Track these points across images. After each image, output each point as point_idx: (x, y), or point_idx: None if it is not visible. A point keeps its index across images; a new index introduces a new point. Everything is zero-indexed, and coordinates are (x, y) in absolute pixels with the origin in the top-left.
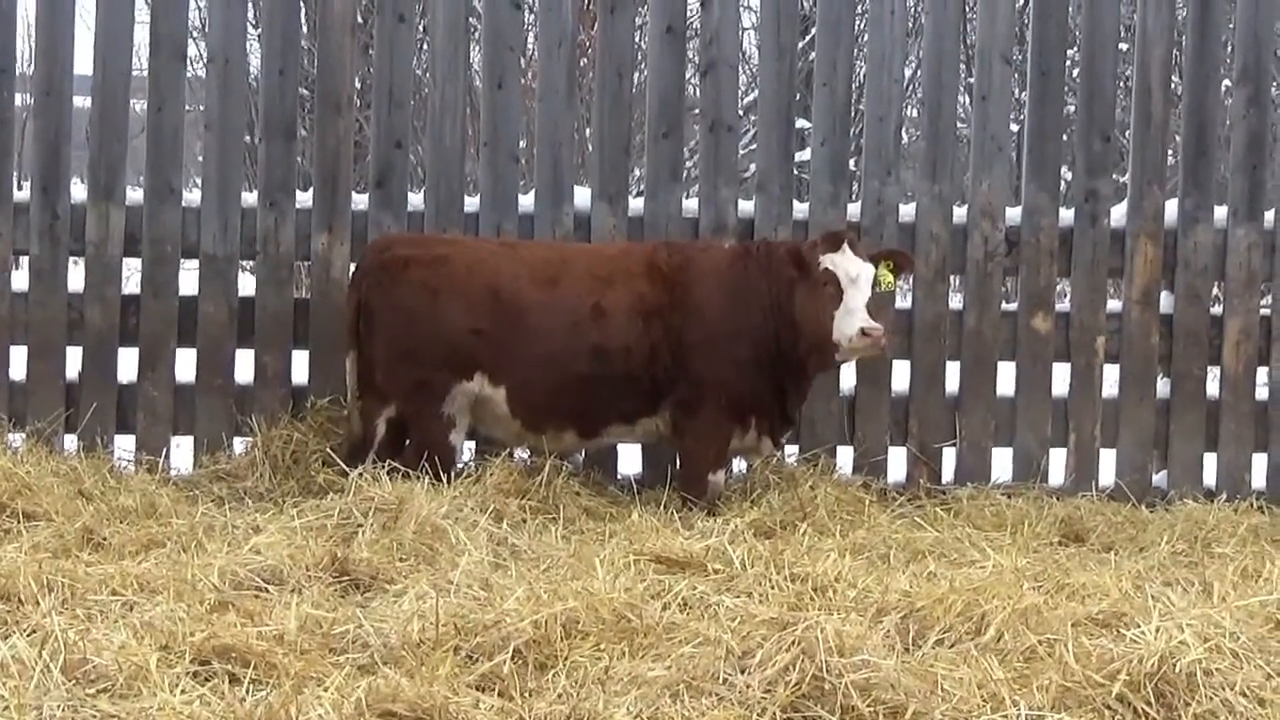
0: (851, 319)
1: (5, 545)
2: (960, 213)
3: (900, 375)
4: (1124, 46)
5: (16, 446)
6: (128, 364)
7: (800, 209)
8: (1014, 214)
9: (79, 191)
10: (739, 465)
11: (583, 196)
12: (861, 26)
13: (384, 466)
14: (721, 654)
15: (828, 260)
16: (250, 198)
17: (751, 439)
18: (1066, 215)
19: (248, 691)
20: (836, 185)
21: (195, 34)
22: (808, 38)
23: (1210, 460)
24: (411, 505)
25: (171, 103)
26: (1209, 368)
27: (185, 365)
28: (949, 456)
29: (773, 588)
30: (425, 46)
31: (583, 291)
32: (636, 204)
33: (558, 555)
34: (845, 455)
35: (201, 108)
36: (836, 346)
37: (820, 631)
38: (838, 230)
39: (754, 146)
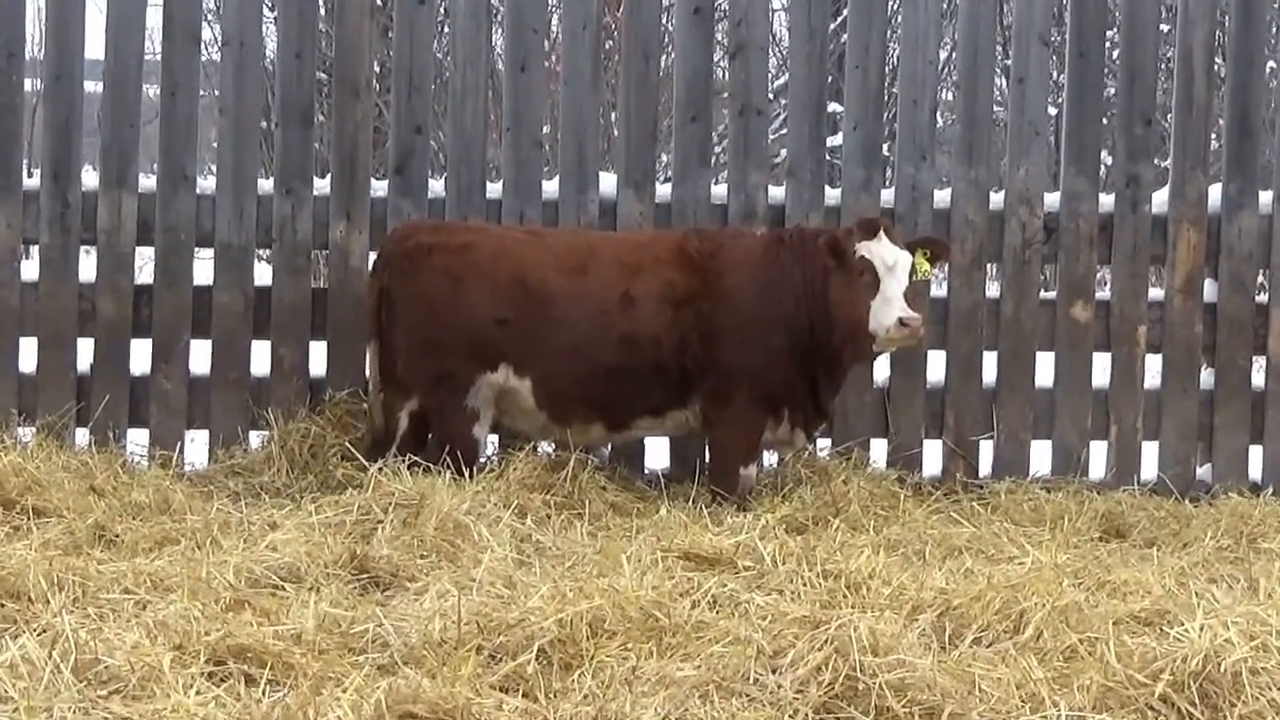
0: (889, 308)
1: (15, 542)
2: (997, 199)
3: (936, 366)
4: (1165, 27)
5: (26, 441)
6: (140, 356)
7: (832, 195)
8: (1052, 200)
9: (90, 179)
10: (770, 459)
11: (608, 183)
12: (895, 7)
13: (405, 461)
14: (752, 653)
15: (864, 248)
16: (266, 185)
17: (784, 431)
18: (1106, 201)
19: (264, 693)
20: (869, 171)
21: (210, 17)
22: (839, 19)
23: (1256, 453)
24: (433, 501)
25: (185, 87)
26: (1254, 357)
27: (200, 357)
28: (986, 449)
29: (804, 585)
30: (446, 29)
31: (611, 280)
32: (663, 190)
33: (583, 552)
34: (879, 448)
35: (216, 92)
36: (873, 337)
37: (854, 630)
38: (873, 217)
39: (784, 131)
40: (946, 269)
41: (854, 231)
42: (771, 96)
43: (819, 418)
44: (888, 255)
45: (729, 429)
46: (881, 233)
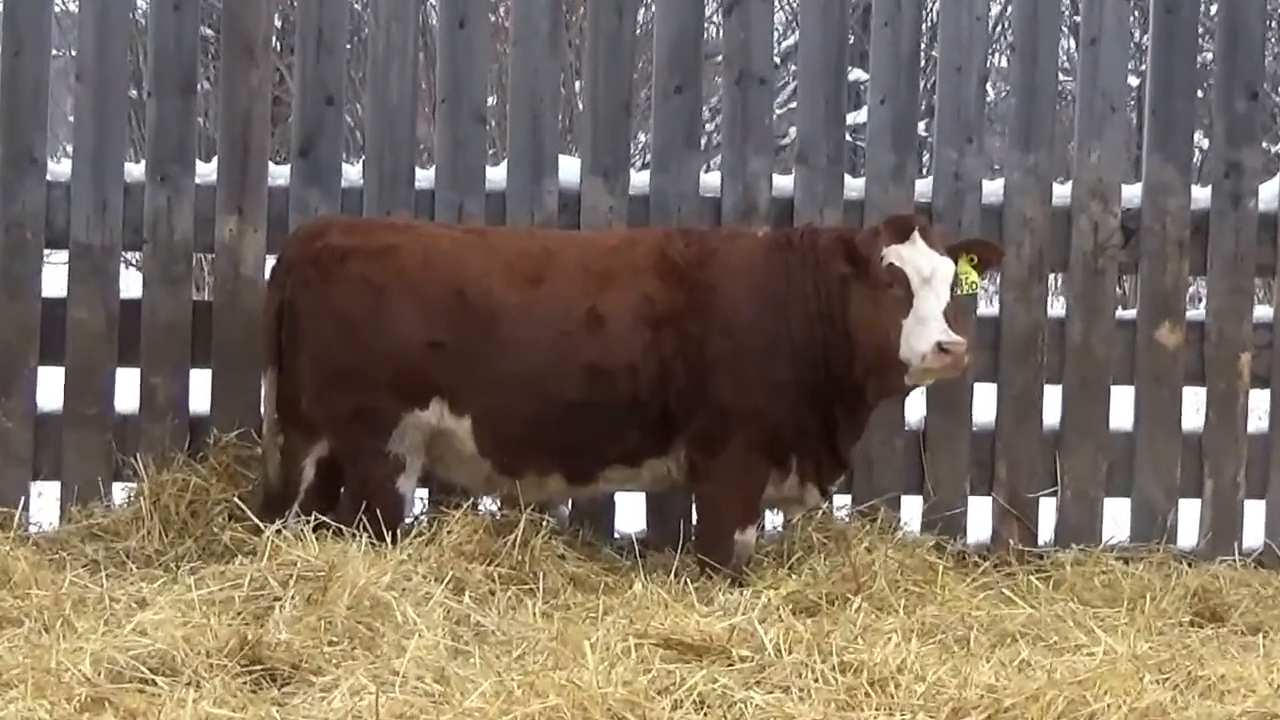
0: (925, 330)
1: None
2: (1063, 191)
3: (984, 403)
4: None
5: None
6: None
7: (854, 186)
8: (1132, 193)
9: None
10: (773, 520)
11: (570, 169)
12: None
13: (310, 522)
14: None
15: (893, 254)
16: (136, 170)
17: (792, 486)
18: (1201, 195)
19: None
20: (901, 155)
21: None
22: None
23: None
24: (345, 572)
25: (33, 46)
26: None
27: (49, 389)
28: (1047, 509)
29: (816, 681)
30: None
31: (573, 293)
32: (640, 179)
33: (535, 638)
34: (912, 507)
35: (72, 52)
36: (904, 366)
37: None
38: (905, 215)
39: (793, 105)
40: (998, 280)
41: (881, 232)
42: (777, 61)
43: (836, 468)
44: (923, 263)
45: (722, 483)
46: (916, 234)
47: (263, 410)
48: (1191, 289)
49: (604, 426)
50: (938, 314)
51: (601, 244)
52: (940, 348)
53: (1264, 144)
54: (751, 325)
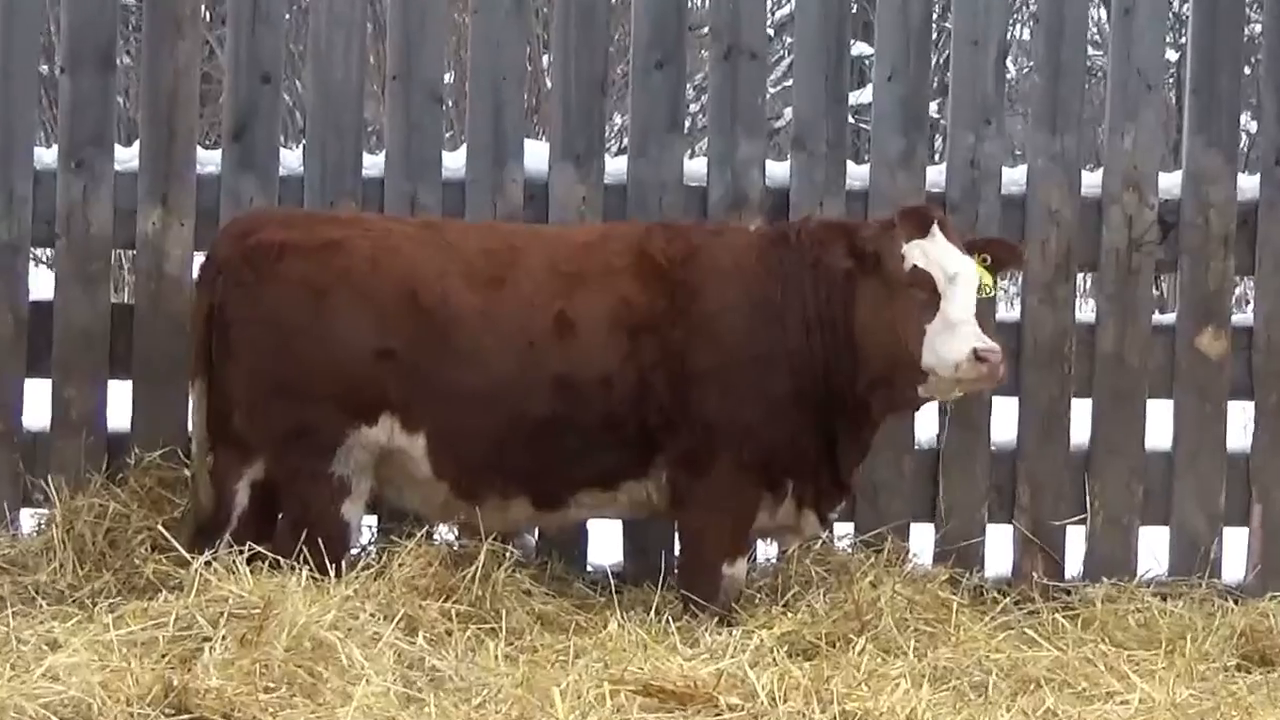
0: (956, 337)
1: None
2: (1092, 180)
3: (1004, 419)
4: None
5: None
6: None
7: (857, 174)
8: (1171, 182)
9: None
10: (766, 551)
11: (537, 155)
12: None
13: (244, 552)
14: None
15: (914, 250)
16: (47, 156)
17: (788, 513)
18: (1248, 184)
19: None
20: (911, 139)
21: None
22: None
23: None
24: (283, 610)
25: None
26: None
27: None
28: (1075, 539)
29: None
30: None
31: (540, 296)
32: (616, 166)
33: (498, 684)
34: (923, 536)
35: None
36: (923, 377)
37: None
38: (923, 206)
39: (789, 83)
40: (1020, 280)
41: (897, 225)
42: (771, 34)
43: (838, 492)
44: (948, 260)
45: (708, 509)
46: (935, 227)
47: (190, 427)
48: (1238, 290)
49: (575, 446)
50: (970, 318)
51: (572, 240)
52: (977, 356)
53: None
54: (742, 332)
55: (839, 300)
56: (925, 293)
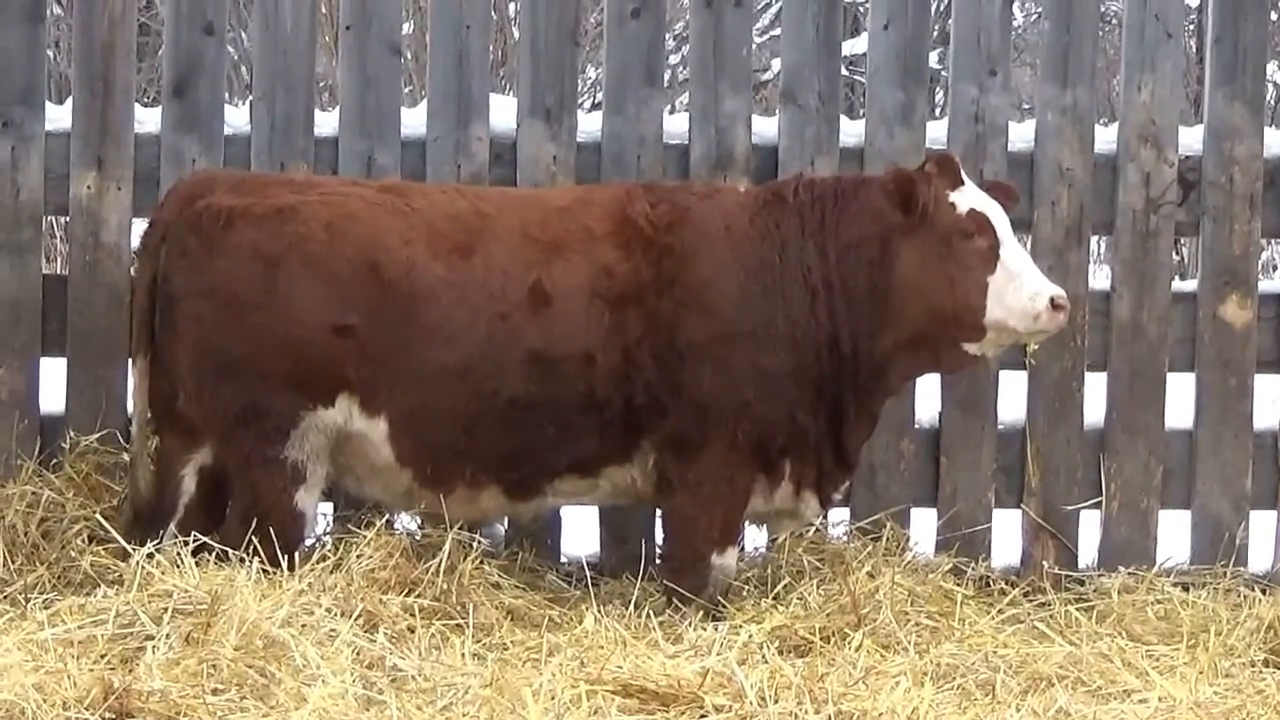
0: (1027, 287)
1: None
2: (1107, 136)
3: (1012, 396)
4: None
5: None
6: None
7: (851, 130)
8: (1192, 138)
9: None
10: (755, 539)
11: (504, 111)
12: None
13: (190, 543)
14: None
15: (964, 199)
16: None
17: (785, 496)
18: (1276, 139)
19: None
20: (909, 93)
21: None
22: None
23: None
24: (232, 605)
25: None
26: None
27: None
28: (1089, 524)
29: None
30: None
31: (513, 265)
32: (590, 123)
33: (465, 684)
34: (925, 522)
35: None
36: (983, 333)
37: None
38: (947, 154)
39: (777, 31)
40: (1029, 243)
41: (934, 175)
42: None
43: (842, 472)
44: (992, 209)
45: (698, 495)
46: (964, 176)
47: (131, 408)
48: (1265, 254)
49: (553, 429)
50: (1031, 264)
51: (548, 204)
52: (1054, 304)
53: None
54: (737, 302)
55: (860, 260)
56: (986, 240)
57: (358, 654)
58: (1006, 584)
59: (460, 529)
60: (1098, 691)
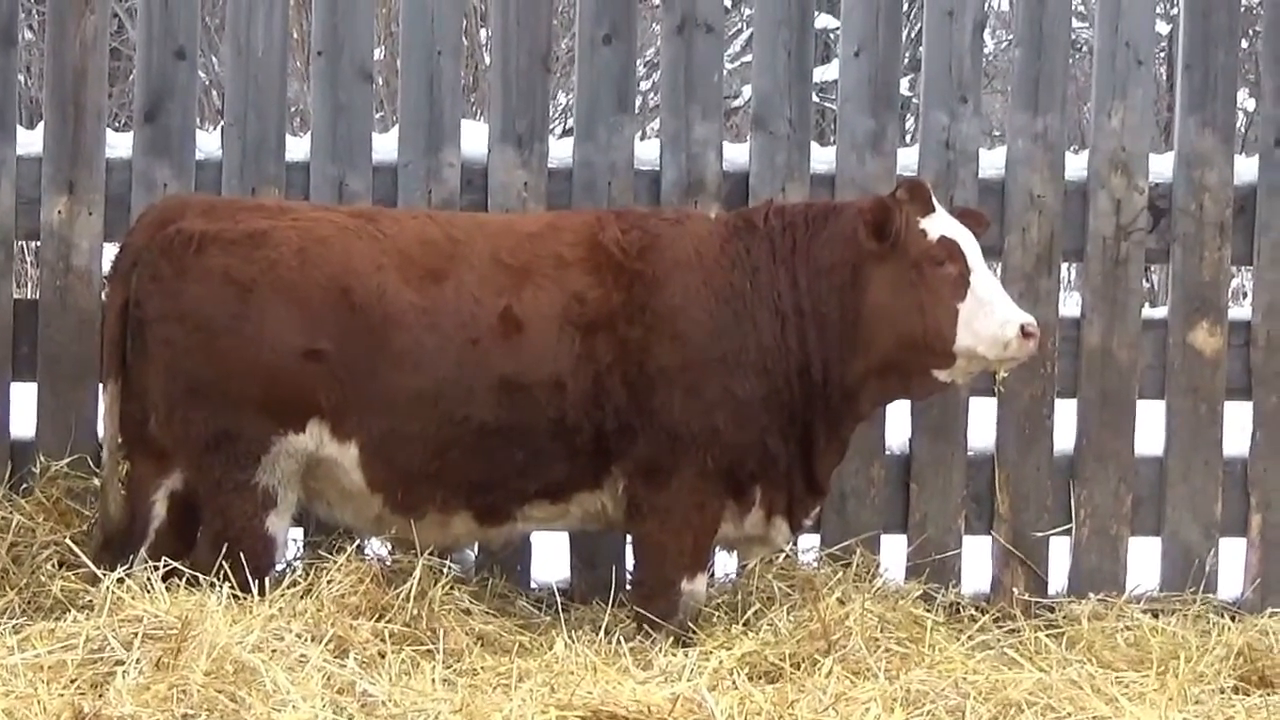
0: (997, 313)
1: None
2: (1078, 163)
3: (982, 422)
4: None
5: None
6: None
7: (822, 157)
8: (1162, 165)
9: None
10: (725, 564)
11: (476, 137)
12: None
13: (160, 568)
14: None
15: (934, 225)
16: None
17: (756, 522)
18: (1246, 167)
19: None
20: (880, 119)
21: None
22: None
23: None
24: (202, 630)
25: None
26: None
27: None
28: (1059, 551)
29: None
30: None
31: (484, 291)
32: (561, 149)
33: (435, 710)
34: (894, 549)
35: None
36: (953, 360)
37: None
38: (918, 180)
39: (748, 58)
40: (999, 270)
41: (904, 201)
42: (728, 5)
43: (813, 497)
44: (963, 235)
45: (668, 521)
46: (935, 201)
47: (101, 433)
48: (1235, 282)
49: (523, 454)
50: (1001, 292)
51: (519, 230)
52: (1025, 332)
53: None
54: (706, 328)
55: (832, 287)
56: (957, 267)
57: (328, 679)
58: (977, 610)
59: (431, 554)
60: (1067, 718)
